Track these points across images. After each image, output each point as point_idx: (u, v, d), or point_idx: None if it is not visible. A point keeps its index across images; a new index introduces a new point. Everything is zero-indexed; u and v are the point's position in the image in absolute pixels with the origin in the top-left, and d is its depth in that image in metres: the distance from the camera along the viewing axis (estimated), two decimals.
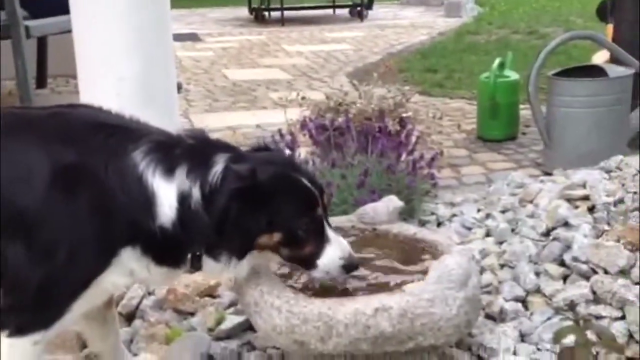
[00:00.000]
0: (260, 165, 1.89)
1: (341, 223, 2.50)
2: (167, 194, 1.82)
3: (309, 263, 1.97)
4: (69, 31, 3.85)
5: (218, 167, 1.85)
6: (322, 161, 3.23)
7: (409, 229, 2.49)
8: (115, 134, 1.87)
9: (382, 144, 3.17)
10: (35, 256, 1.76)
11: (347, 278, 2.05)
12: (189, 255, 1.90)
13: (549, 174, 3.82)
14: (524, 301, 2.48)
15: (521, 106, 5.04)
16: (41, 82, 6.70)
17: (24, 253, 1.75)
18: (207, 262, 1.91)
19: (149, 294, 2.66)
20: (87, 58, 3.36)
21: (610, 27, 4.77)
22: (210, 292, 2.68)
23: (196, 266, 1.92)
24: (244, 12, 13.49)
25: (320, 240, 1.95)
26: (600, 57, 5.03)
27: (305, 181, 1.94)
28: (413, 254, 2.34)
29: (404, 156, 3.28)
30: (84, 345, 2.35)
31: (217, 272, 1.95)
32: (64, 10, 4.96)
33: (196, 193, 1.82)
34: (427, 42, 9.88)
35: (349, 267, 1.99)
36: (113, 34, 3.33)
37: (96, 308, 2.05)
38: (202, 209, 1.81)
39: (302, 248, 1.95)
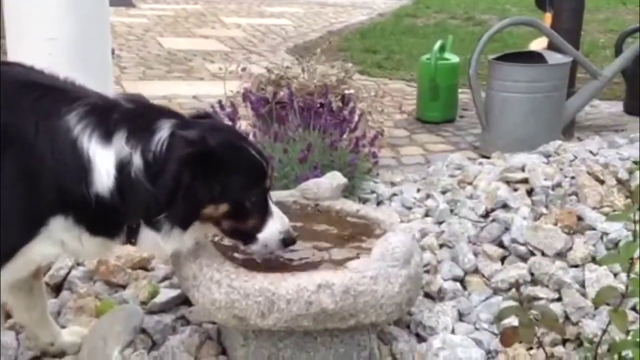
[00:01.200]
0: (208, 132, 1.80)
1: (283, 198, 2.45)
2: (104, 160, 1.70)
3: (249, 236, 1.91)
4: None
5: (162, 133, 1.74)
6: (264, 135, 3.15)
7: (352, 205, 2.46)
8: (47, 94, 1.73)
9: (325, 120, 3.12)
10: None
11: (284, 252, 2.01)
12: (125, 227, 1.80)
13: (486, 157, 3.87)
14: (462, 281, 2.50)
15: (459, 90, 5.09)
16: None
17: None
18: (146, 233, 1.80)
19: (78, 264, 2.53)
20: (17, 16, 3.15)
21: (548, 16, 4.86)
22: (144, 265, 2.58)
23: (133, 238, 1.82)
24: None
25: (264, 214, 1.90)
26: (537, 45, 5.13)
27: (254, 152, 1.87)
28: (355, 231, 2.31)
29: (346, 133, 3.23)
30: (8, 316, 2.22)
31: (155, 244, 1.83)
32: None
33: (137, 160, 1.70)
34: (366, 22, 9.88)
35: (288, 241, 1.95)
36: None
37: (24, 279, 1.93)
38: (143, 177, 1.70)
39: (245, 221, 1.88)
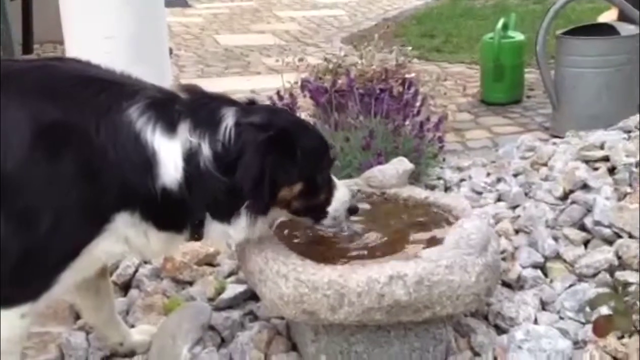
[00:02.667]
0: (271, 116, 1.77)
1: (347, 186, 2.35)
2: (170, 152, 1.65)
3: (320, 211, 1.90)
4: None
5: (227, 121, 1.70)
6: (324, 124, 3.06)
7: (420, 192, 2.35)
8: (107, 89, 1.69)
9: (387, 105, 3.01)
10: (14, 225, 1.58)
11: (349, 224, 2.01)
12: (193, 221, 1.74)
13: (557, 137, 3.68)
14: (543, 268, 2.35)
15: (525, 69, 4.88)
16: (27, 48, 6.47)
17: (3, 221, 1.57)
18: (213, 226, 1.76)
19: (145, 262, 2.51)
20: (74, 15, 3.17)
21: None
22: (209, 261, 2.54)
23: (197, 232, 1.77)
24: None
25: (331, 186, 1.91)
26: (607, 17, 4.87)
27: (316, 129, 1.88)
28: (424, 219, 2.20)
29: (409, 118, 3.11)
30: (77, 316, 2.21)
31: (223, 236, 1.79)
32: None
33: (206, 150, 1.66)
34: (422, 7, 9.66)
35: (353, 209, 1.97)
36: None
37: (89, 278, 1.90)
38: (214, 168, 1.66)
39: (317, 197, 1.87)
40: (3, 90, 1.63)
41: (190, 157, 1.66)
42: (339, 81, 3.52)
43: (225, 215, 1.73)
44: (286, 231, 2.10)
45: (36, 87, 1.66)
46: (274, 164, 1.70)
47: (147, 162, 1.64)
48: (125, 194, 1.65)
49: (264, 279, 1.88)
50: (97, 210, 1.65)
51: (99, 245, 1.67)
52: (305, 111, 3.55)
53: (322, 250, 2.01)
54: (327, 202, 1.89)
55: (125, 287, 2.44)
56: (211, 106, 1.74)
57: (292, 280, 1.82)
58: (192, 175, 1.66)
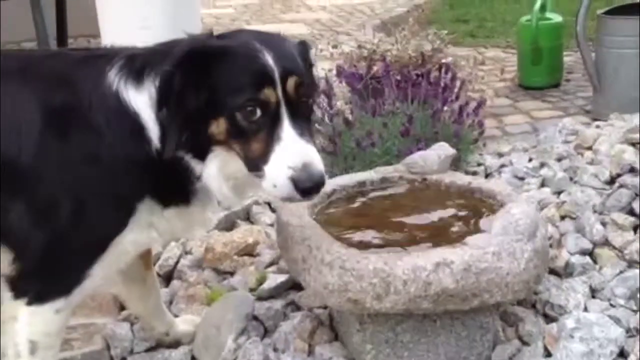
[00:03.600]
0: (223, 37, 1.61)
1: (388, 173, 2.32)
2: (144, 106, 1.55)
3: (256, 167, 1.54)
4: None
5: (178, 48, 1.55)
6: (361, 110, 3.02)
7: (463, 178, 2.31)
8: (98, 60, 1.63)
9: (425, 90, 2.95)
10: (36, 215, 1.56)
11: (304, 200, 1.59)
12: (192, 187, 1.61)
13: (599, 120, 3.58)
14: (591, 254, 2.28)
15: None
16: (62, 42, 6.50)
17: (25, 212, 1.56)
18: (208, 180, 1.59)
19: (186, 253, 2.52)
20: (110, 6, 3.17)
21: None
22: (249, 251, 2.52)
23: (194, 196, 1.64)
24: None
25: (270, 137, 1.51)
26: None
27: (266, 54, 1.52)
28: (469, 204, 2.15)
29: (448, 103, 3.06)
30: (122, 308, 2.22)
31: (214, 184, 1.60)
32: None
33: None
34: None
35: (301, 183, 1.49)
36: None
37: (135, 269, 1.90)
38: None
39: (248, 143, 1.53)
40: (17, 78, 1.61)
41: (153, 102, 1.55)
42: (374, 67, 3.47)
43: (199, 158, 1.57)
44: (327, 218, 2.08)
45: (47, 75, 1.62)
46: (179, 83, 1.49)
47: (136, 124, 1.56)
48: (138, 176, 1.57)
49: (307, 268, 1.86)
50: (118, 200, 1.58)
51: (126, 237, 1.62)
52: (341, 99, 3.51)
53: (365, 237, 1.98)
54: (262, 157, 1.51)
55: (167, 278, 2.44)
56: (173, 43, 1.61)
57: (337, 268, 1.79)
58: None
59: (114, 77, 1.57)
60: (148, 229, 1.64)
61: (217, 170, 1.57)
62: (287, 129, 1.51)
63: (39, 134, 1.55)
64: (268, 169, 1.51)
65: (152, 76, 1.55)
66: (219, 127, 1.53)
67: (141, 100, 1.56)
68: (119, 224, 1.60)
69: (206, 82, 1.51)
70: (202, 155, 1.56)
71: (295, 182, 1.49)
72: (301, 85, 1.55)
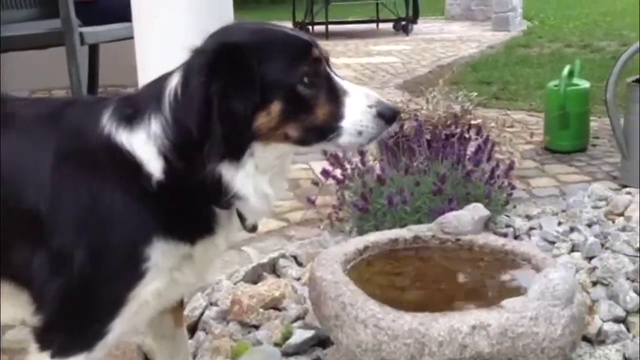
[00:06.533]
0: (207, 40, 1.56)
1: (420, 232, 2.30)
2: (139, 143, 1.50)
3: (330, 129, 1.50)
4: (121, 39, 3.71)
5: (173, 80, 1.51)
6: (393, 168, 3.03)
7: (497, 240, 2.28)
8: (100, 103, 1.61)
9: (459, 150, 2.96)
10: (52, 265, 1.52)
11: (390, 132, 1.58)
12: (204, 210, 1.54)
13: (627, 186, 3.56)
14: (624, 321, 2.24)
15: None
16: (92, 91, 6.67)
17: (43, 262, 1.53)
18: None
19: (211, 304, 2.50)
20: (148, 60, 3.24)
21: None
22: (276, 304, 2.50)
23: (214, 221, 1.57)
24: (288, 26, 13.40)
25: (334, 95, 1.51)
26: None
27: (286, 30, 1.56)
28: (503, 267, 2.13)
29: (481, 164, 3.06)
30: (145, 357, 2.19)
31: (248, 199, 1.52)
32: (116, 18, 4.90)
33: (161, 120, 1.49)
34: (476, 55, 9.65)
35: (388, 112, 1.51)
36: (175, 35, 3.20)
37: (166, 325, 1.87)
38: (172, 132, 1.49)
39: (313, 112, 1.49)
40: (35, 125, 1.62)
41: (156, 138, 1.50)
42: (405, 125, 3.50)
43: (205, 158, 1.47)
44: (360, 275, 2.06)
45: (62, 121, 1.61)
46: (221, 89, 1.41)
47: (132, 162, 1.51)
48: (140, 217, 1.51)
49: (340, 325, 1.83)
50: (126, 248, 1.51)
51: (144, 288, 1.53)
52: (372, 156, 3.52)
53: (399, 296, 1.96)
54: (336, 115, 1.49)
55: (192, 329, 2.41)
56: (161, 77, 1.58)
57: (371, 327, 1.76)
58: (168, 151, 1.50)
59: (105, 119, 1.56)
60: (169, 275, 1.57)
61: (254, 168, 1.50)
62: (341, 81, 1.54)
63: (50, 180, 1.54)
64: (347, 121, 1.50)
65: (146, 113, 1.52)
66: (270, 114, 1.47)
67: (136, 138, 1.52)
68: (132, 274, 1.52)
69: (249, 75, 1.45)
70: (238, 157, 1.48)
71: (382, 114, 1.51)
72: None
